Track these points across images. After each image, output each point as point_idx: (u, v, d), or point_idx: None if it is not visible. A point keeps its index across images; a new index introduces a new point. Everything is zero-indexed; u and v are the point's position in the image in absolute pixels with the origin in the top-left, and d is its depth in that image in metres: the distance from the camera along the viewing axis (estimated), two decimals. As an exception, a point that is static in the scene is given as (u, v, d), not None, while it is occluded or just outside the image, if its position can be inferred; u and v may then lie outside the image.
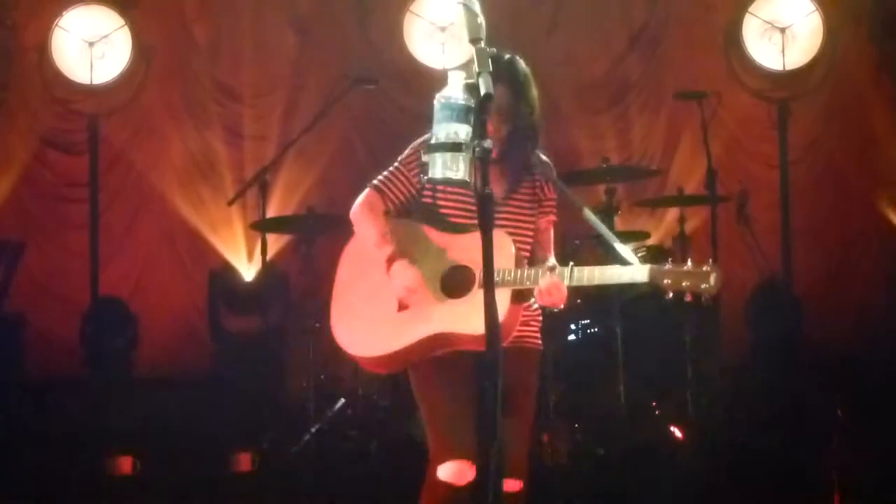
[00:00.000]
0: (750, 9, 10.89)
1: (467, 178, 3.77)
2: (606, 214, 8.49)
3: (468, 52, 3.84)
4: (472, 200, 4.60)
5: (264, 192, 8.86)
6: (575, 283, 4.61)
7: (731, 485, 7.14)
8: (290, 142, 9.32)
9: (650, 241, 9.35)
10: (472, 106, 3.77)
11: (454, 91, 3.79)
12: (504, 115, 4.75)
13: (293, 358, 9.47)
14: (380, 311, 4.82)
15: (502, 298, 4.45)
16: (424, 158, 3.92)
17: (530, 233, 4.96)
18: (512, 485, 4.67)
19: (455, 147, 3.75)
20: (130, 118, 10.89)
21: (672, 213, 9.76)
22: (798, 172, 10.87)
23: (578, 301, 8.78)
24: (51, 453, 8.26)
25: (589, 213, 4.94)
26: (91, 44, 10.69)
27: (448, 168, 3.75)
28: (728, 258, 9.67)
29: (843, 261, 10.80)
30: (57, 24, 10.66)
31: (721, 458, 7.68)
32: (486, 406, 4.23)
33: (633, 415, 8.16)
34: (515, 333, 4.79)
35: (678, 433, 8.01)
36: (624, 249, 4.83)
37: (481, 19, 3.83)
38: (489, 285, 3.81)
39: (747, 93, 11.00)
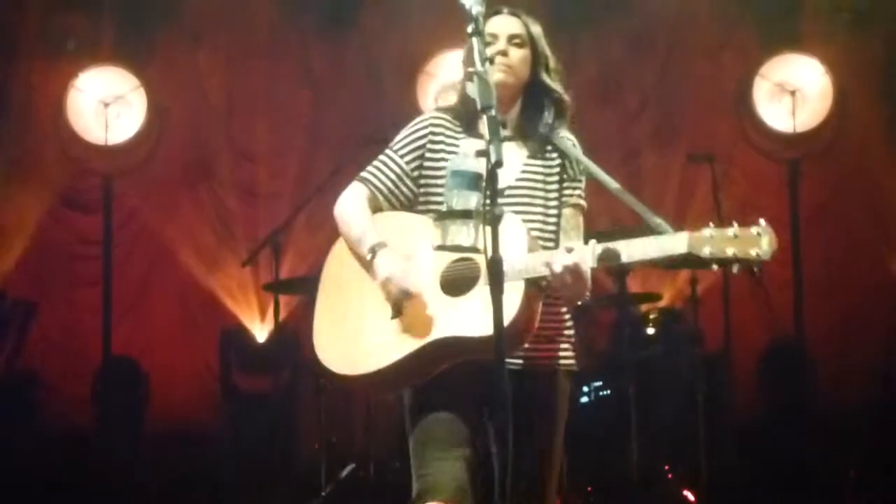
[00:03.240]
0: (760, 71, 10.94)
1: (479, 247, 3.74)
2: (618, 276, 8.52)
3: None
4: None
5: (277, 253, 8.89)
6: (599, 264, 4.06)
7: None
8: (303, 203, 9.35)
9: (662, 303, 9.36)
10: (483, 173, 3.73)
11: (465, 158, 3.80)
12: (515, 70, 4.48)
13: (304, 419, 9.47)
14: (371, 319, 4.33)
15: (514, 291, 4.02)
16: (434, 226, 3.89)
17: (550, 220, 4.47)
18: None
19: (466, 214, 3.75)
20: (145, 177, 10.94)
21: (684, 275, 9.74)
22: (810, 232, 10.86)
23: (593, 363, 8.81)
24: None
25: (618, 188, 4.41)
26: (106, 104, 10.76)
27: (459, 236, 3.75)
28: (740, 318, 9.67)
29: (856, 320, 10.76)
30: (72, 85, 10.73)
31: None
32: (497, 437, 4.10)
33: (645, 479, 8.14)
34: (537, 353, 4.34)
35: (691, 497, 7.98)
36: (658, 222, 4.26)
37: (493, 88, 3.85)
38: (500, 359, 3.68)
39: (758, 153, 11.03)
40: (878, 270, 10.74)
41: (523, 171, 4.46)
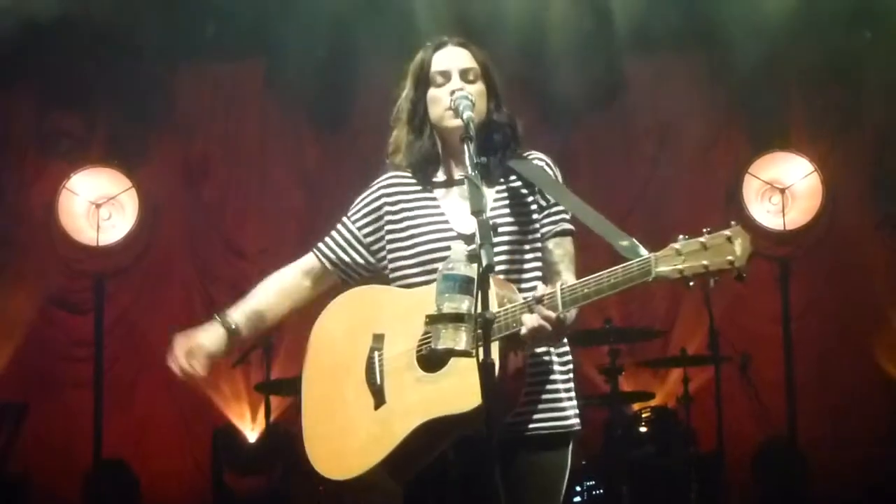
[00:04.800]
0: (749, 169, 11.02)
1: (470, 350, 3.70)
2: (610, 375, 8.51)
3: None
4: (444, 251, 4.02)
5: (268, 353, 8.85)
6: (570, 306, 3.80)
7: None
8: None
9: (654, 402, 9.34)
10: (474, 277, 3.68)
11: (456, 262, 3.80)
12: (477, 107, 4.16)
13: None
14: (355, 413, 4.13)
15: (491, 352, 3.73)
16: (426, 329, 3.86)
17: (525, 254, 4.22)
18: None
19: (457, 318, 3.71)
20: (136, 277, 10.96)
21: (676, 374, 9.72)
22: (801, 329, 10.87)
23: (584, 462, 8.75)
24: None
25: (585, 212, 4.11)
26: (98, 205, 10.79)
27: (451, 340, 3.72)
28: (733, 416, 9.64)
29: (848, 417, 10.73)
30: (64, 186, 10.76)
31: None
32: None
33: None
34: (526, 419, 4.10)
35: None
36: (625, 245, 3.83)
37: (484, 193, 3.85)
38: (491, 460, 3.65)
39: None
40: (869, 367, 10.73)
41: (491, 208, 4.14)
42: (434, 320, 3.75)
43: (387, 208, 4.38)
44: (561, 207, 4.29)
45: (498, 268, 3.95)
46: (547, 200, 4.31)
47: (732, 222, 3.68)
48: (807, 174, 10.99)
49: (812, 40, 10.27)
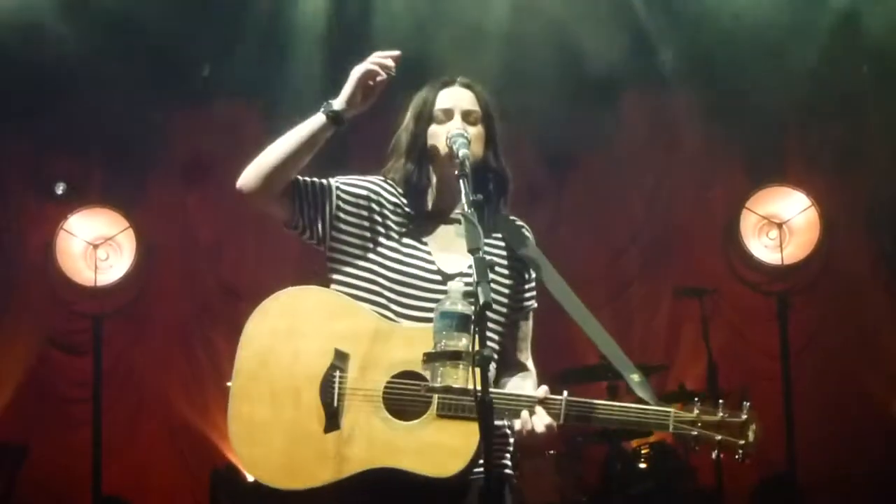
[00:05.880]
0: (747, 204, 11.02)
1: (468, 387, 3.70)
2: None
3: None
4: (421, 281, 4.12)
5: (266, 391, 8.84)
6: (568, 422, 3.90)
7: None
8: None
9: (653, 438, 9.31)
10: (471, 315, 3.68)
11: (453, 300, 3.80)
12: (472, 150, 4.11)
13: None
14: (300, 427, 3.98)
15: (473, 434, 3.79)
16: (423, 368, 3.82)
17: (494, 319, 4.16)
18: None
19: (455, 356, 3.71)
20: (133, 317, 10.95)
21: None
22: (800, 364, 10.85)
23: (584, 499, 8.73)
24: None
25: (587, 321, 4.21)
26: (95, 246, 10.79)
27: (449, 378, 3.71)
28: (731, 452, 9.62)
29: (847, 453, 10.71)
30: (62, 227, 10.77)
31: None
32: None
33: None
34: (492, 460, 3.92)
35: None
36: (640, 385, 4.11)
37: (480, 230, 3.85)
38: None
39: (746, 287, 11.05)
40: (867, 402, 10.70)
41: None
42: (432, 358, 3.74)
43: (375, 216, 4.30)
44: (533, 282, 4.35)
45: None
46: (530, 273, 4.35)
47: (747, 403, 3.93)
48: (804, 209, 10.98)
49: (810, 75, 10.29)
